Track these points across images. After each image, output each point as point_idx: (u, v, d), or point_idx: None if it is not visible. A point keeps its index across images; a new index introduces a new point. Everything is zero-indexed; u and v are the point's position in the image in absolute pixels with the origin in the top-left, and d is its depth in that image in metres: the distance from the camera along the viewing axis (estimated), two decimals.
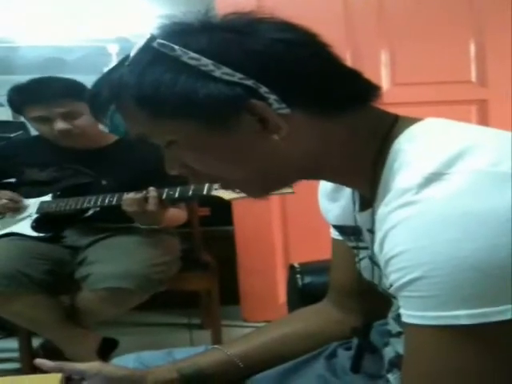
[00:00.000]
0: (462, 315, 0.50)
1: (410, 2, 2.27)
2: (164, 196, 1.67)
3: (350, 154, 0.66)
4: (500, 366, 0.52)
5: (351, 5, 2.26)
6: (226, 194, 1.55)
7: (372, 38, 2.27)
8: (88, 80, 0.83)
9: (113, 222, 1.87)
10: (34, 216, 1.91)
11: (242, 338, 0.93)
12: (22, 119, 2.33)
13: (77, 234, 1.90)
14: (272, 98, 0.60)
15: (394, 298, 0.64)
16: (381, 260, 0.58)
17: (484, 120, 2.28)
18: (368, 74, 0.66)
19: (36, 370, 0.87)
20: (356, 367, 0.85)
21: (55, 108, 1.82)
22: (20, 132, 2.52)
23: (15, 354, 1.96)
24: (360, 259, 0.80)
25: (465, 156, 0.54)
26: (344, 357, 0.88)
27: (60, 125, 1.83)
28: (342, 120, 0.64)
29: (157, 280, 1.68)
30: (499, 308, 0.49)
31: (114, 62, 0.64)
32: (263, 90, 0.60)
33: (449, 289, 0.50)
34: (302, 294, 1.18)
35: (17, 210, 1.92)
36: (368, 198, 0.67)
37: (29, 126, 2.31)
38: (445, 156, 0.54)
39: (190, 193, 1.64)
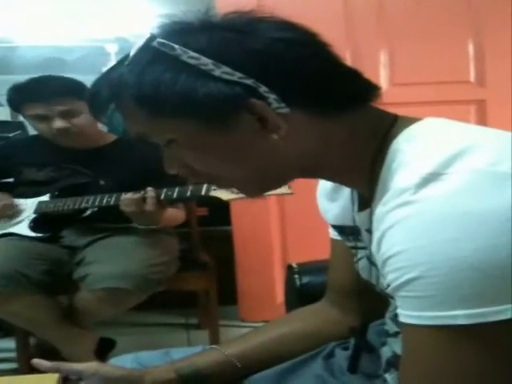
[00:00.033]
0: (460, 315, 0.50)
1: (409, 2, 2.27)
2: (162, 196, 1.67)
3: (350, 153, 0.66)
4: (499, 366, 0.52)
5: (351, 5, 2.27)
6: (224, 195, 1.55)
7: (371, 38, 2.27)
8: (87, 80, 0.83)
9: (111, 222, 1.86)
10: (32, 216, 1.90)
11: (239, 338, 0.93)
12: (21, 119, 2.33)
13: (75, 234, 1.90)
14: (272, 97, 0.60)
15: (392, 297, 0.64)
16: (378, 260, 0.58)
17: (482, 120, 2.29)
18: (367, 73, 0.66)
19: (33, 370, 0.87)
20: (353, 367, 0.84)
21: (54, 106, 1.81)
22: (18, 132, 2.52)
23: (12, 354, 1.96)
24: (358, 259, 0.80)
25: (464, 156, 0.54)
26: (342, 357, 0.88)
27: (58, 123, 1.83)
28: (341, 120, 0.64)
29: (155, 280, 1.67)
30: (498, 308, 0.49)
31: (113, 62, 0.64)
32: (263, 89, 0.60)
33: (446, 289, 0.50)
34: (299, 294, 1.18)
35: (11, 216, 1.91)
36: (367, 198, 0.67)
37: (27, 125, 2.31)
38: (443, 156, 0.54)
39: (189, 193, 1.64)
